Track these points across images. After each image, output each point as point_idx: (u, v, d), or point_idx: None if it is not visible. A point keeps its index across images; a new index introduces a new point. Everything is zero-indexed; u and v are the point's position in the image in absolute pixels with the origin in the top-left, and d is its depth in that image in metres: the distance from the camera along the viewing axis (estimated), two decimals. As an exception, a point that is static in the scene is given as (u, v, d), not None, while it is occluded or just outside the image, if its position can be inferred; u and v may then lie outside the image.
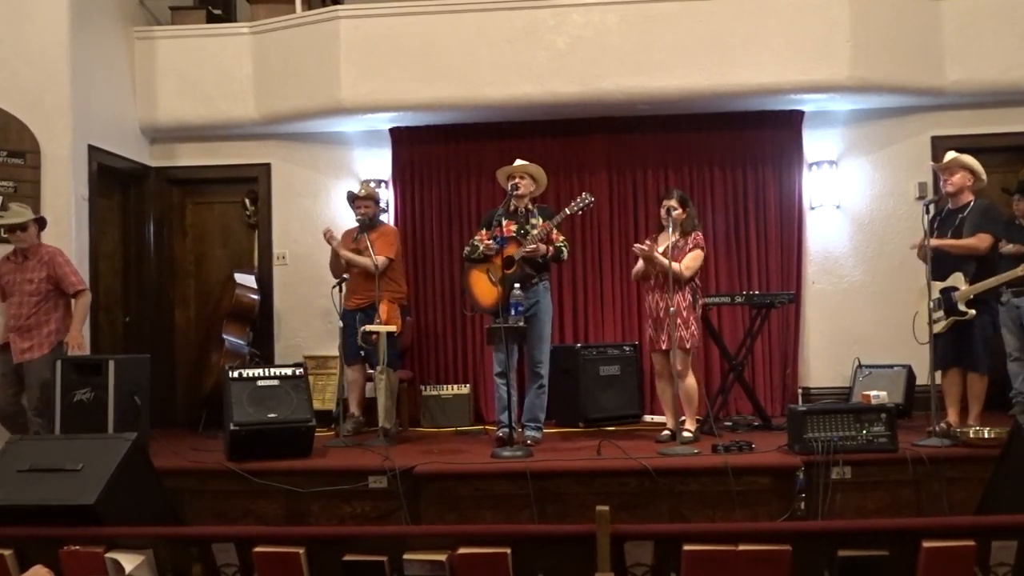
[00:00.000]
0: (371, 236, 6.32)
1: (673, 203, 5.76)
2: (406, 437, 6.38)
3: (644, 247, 5.65)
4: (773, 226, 7.49)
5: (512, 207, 5.87)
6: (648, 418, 7.02)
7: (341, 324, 6.28)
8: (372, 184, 7.27)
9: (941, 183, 5.84)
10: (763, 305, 6.49)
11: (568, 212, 5.76)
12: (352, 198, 6.52)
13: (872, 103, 7.33)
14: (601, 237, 7.56)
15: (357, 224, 6.46)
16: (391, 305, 6.20)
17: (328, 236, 6.39)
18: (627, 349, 7.07)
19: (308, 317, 7.50)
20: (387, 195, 7.63)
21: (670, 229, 5.61)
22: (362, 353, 6.18)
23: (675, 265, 5.64)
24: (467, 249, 5.96)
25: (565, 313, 7.48)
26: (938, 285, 5.56)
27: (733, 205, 7.54)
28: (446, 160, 7.65)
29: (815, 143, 7.55)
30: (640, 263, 5.86)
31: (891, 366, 6.93)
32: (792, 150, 7.51)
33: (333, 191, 7.62)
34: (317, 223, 7.42)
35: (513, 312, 5.31)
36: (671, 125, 7.50)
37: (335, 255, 6.41)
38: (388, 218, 7.62)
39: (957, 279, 5.52)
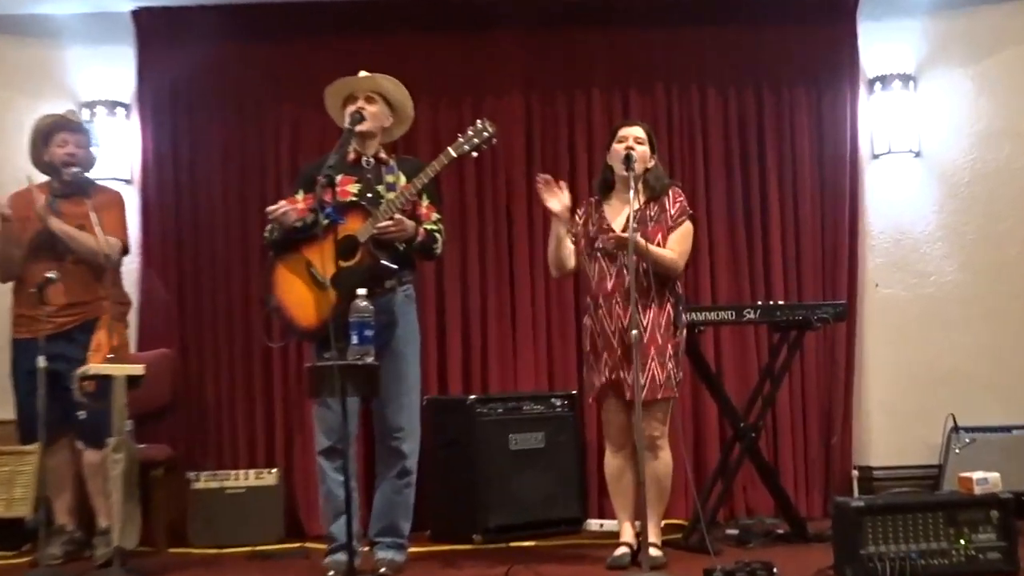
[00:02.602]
0: (81, 206, 6.21)
1: (638, 133, 5.81)
2: (164, 565, 6.27)
3: (617, 235, 5.64)
4: (808, 189, 7.62)
5: (353, 154, 5.79)
6: (595, 524, 7.04)
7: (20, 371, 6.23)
8: (80, 110, 7.16)
9: None
10: (792, 325, 6.55)
11: (454, 154, 5.70)
12: (51, 130, 6.39)
13: (973, -23, 7.60)
14: (513, 209, 7.59)
15: (59, 181, 6.32)
16: (116, 324, 6.10)
17: None
18: (558, 404, 7.09)
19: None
20: (122, 128, 7.54)
21: (632, 188, 5.61)
22: (80, 416, 6.01)
23: (663, 252, 5.67)
24: (268, 227, 5.86)
25: (448, 343, 7.48)
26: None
27: (740, 154, 7.66)
28: (235, 70, 7.59)
29: (879, 46, 7.72)
30: (558, 246, 5.87)
31: (1008, 428, 7.11)
32: (840, 58, 7.66)
33: (27, 120, 7.37)
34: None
35: (355, 339, 5.21)
36: (634, 15, 7.58)
37: (4, 237, 6.28)
38: (130, 171, 7.53)
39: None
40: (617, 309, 5.71)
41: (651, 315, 5.67)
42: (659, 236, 5.74)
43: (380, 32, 7.49)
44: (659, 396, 5.65)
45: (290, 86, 7.51)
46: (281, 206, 5.57)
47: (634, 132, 5.81)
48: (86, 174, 6.44)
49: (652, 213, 5.77)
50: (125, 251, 6.45)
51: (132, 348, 7.18)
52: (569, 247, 5.85)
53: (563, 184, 5.80)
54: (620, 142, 5.79)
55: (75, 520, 6.48)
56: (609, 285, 5.76)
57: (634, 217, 5.46)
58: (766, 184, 7.64)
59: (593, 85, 7.65)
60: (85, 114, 7.37)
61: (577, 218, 5.95)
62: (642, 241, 5.51)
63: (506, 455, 6.86)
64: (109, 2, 7.45)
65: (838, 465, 7.51)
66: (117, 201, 6.50)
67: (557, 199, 5.77)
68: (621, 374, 5.68)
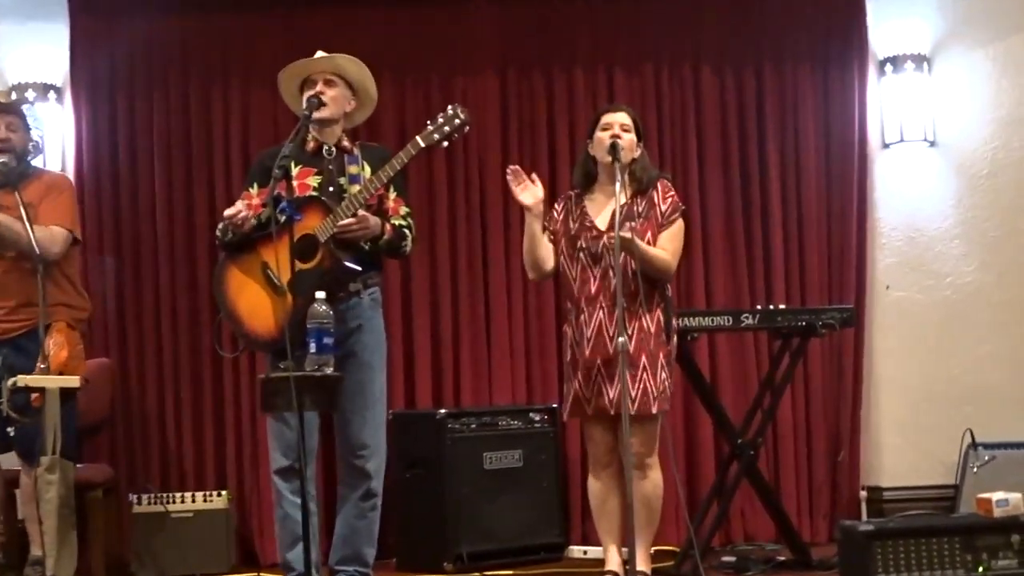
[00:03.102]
0: (24, 193, 6.17)
1: (623, 119, 5.83)
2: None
3: (629, 234, 5.63)
4: (812, 181, 7.69)
5: (312, 143, 5.81)
6: (578, 551, 7.10)
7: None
8: (11, 93, 7.13)
9: None
10: (795, 331, 6.59)
11: (423, 144, 5.71)
12: None
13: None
14: (487, 201, 7.64)
15: None
16: (71, 332, 6.08)
17: None
18: (538, 419, 7.13)
19: None
20: (61, 117, 7.55)
21: (618, 179, 5.62)
22: (8, 432, 6.02)
23: (657, 253, 5.70)
24: (222, 226, 5.87)
25: (416, 351, 7.52)
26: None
27: (738, 141, 7.72)
28: (179, 49, 7.61)
29: (890, 23, 7.78)
30: (534, 244, 5.87)
31: (1032, 445, 7.21)
32: (847, 37, 7.74)
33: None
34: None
35: (312, 347, 5.23)
36: (620, -16, 7.65)
37: None
38: (62, 162, 7.55)
39: None
40: (601, 315, 5.72)
41: (640, 321, 5.68)
42: (648, 234, 5.74)
43: (338, 5, 7.54)
44: (653, 410, 5.67)
45: (240, 66, 7.55)
46: (240, 210, 5.55)
47: (619, 119, 5.80)
48: (30, 159, 6.38)
49: (640, 208, 5.76)
50: (75, 241, 6.31)
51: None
52: (547, 246, 5.83)
53: (535, 176, 5.74)
54: (604, 130, 5.77)
55: (0, 547, 6.39)
56: (593, 288, 5.77)
57: (621, 212, 5.46)
58: (766, 175, 7.69)
59: (575, 63, 7.70)
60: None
61: (555, 214, 5.94)
62: (639, 241, 5.51)
63: (480, 475, 6.88)
64: (40, -27, 7.49)
65: (845, 485, 7.58)
66: (64, 186, 6.41)
67: (529, 192, 5.71)
68: (605, 386, 5.74)
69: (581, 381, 5.79)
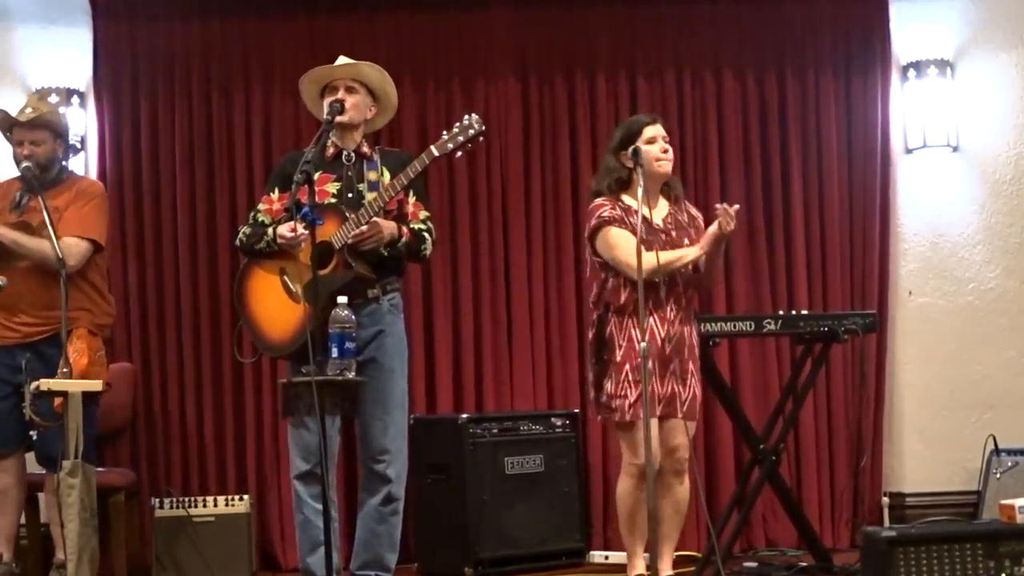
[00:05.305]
0: (52, 200, 6.17)
1: (663, 132, 5.88)
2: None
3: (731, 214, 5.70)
4: (835, 187, 7.68)
5: (331, 149, 5.82)
6: (599, 556, 7.08)
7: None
8: (49, 98, 7.08)
9: None
10: (817, 337, 6.58)
11: (437, 153, 5.70)
12: (4, 126, 6.33)
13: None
14: (509, 205, 7.63)
15: (20, 179, 6.30)
16: (92, 339, 6.09)
17: None
18: (559, 424, 7.11)
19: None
20: (84, 122, 7.56)
21: (641, 186, 5.60)
22: (31, 436, 6.03)
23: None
24: (244, 232, 5.88)
25: (437, 356, 7.51)
26: None
27: (761, 147, 7.72)
28: (201, 55, 7.62)
29: (913, 28, 7.77)
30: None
31: (1055, 451, 7.17)
32: (870, 42, 7.73)
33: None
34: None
35: (334, 352, 5.21)
36: (640, -12, 7.65)
37: None
38: (85, 168, 7.55)
39: None
40: (670, 317, 5.80)
41: (690, 328, 5.85)
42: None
43: (359, 10, 7.57)
44: (695, 415, 5.86)
45: (261, 71, 7.57)
46: (300, 235, 5.47)
47: (661, 131, 5.88)
48: (61, 163, 6.38)
49: (684, 218, 5.92)
50: (98, 248, 6.30)
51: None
52: None
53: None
54: (650, 143, 5.82)
55: (12, 550, 6.36)
56: (662, 293, 5.76)
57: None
58: (788, 181, 7.68)
59: (597, 69, 7.70)
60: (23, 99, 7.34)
61: (618, 212, 5.88)
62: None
63: (501, 480, 6.87)
64: (65, -20, 7.51)
65: (867, 492, 7.55)
66: (93, 193, 6.39)
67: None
68: (675, 388, 5.78)
69: (632, 383, 5.79)
